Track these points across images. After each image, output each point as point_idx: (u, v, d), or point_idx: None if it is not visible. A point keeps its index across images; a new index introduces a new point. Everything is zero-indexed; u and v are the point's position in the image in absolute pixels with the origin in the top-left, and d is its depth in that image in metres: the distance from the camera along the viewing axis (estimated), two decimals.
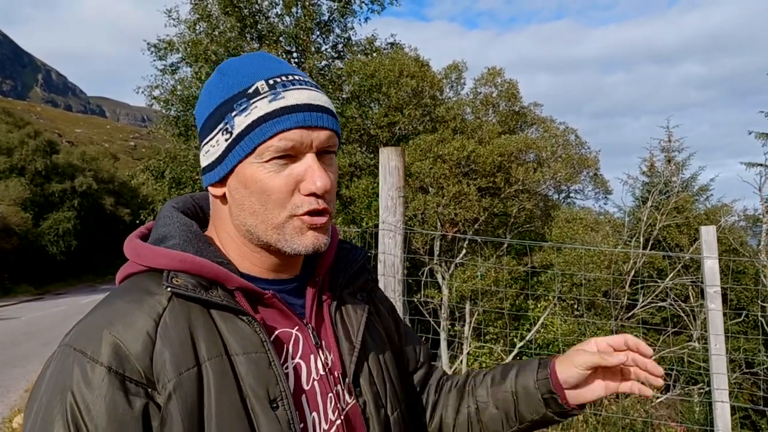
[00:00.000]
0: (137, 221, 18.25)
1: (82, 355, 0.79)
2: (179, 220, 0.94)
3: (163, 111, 16.17)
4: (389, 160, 2.82)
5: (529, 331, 12.29)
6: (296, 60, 16.69)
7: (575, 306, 12.96)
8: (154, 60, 16.19)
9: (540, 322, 12.09)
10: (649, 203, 14.03)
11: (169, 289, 0.83)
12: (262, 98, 0.87)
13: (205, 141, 0.93)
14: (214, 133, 0.90)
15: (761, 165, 17.64)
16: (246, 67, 0.91)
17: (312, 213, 0.89)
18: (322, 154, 0.90)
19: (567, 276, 12.28)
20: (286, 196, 0.87)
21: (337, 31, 17.55)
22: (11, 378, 9.76)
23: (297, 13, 16.43)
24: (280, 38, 16.32)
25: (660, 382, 1.01)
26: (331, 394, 0.93)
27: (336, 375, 0.96)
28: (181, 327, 0.83)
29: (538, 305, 12.85)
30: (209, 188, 0.94)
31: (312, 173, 0.87)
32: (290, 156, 0.87)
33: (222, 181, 0.92)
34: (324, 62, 16.89)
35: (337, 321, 1.00)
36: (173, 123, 16.05)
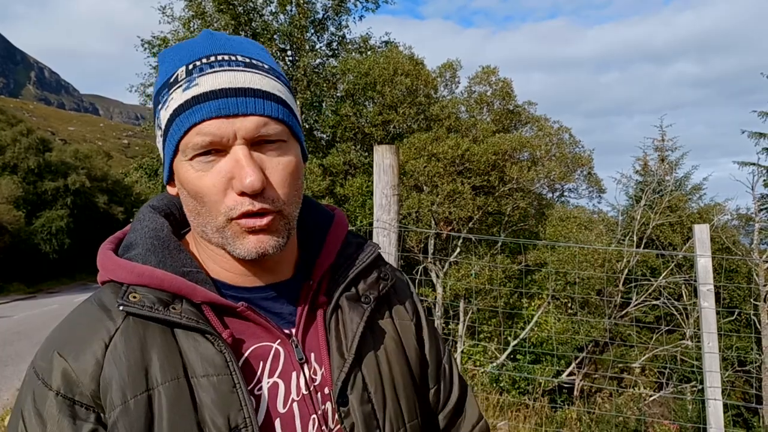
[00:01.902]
0: (130, 219, 18.21)
1: (36, 378, 0.76)
2: (149, 225, 0.85)
3: None
4: (384, 158, 2.81)
5: (523, 329, 12.33)
6: (291, 58, 16.67)
7: (569, 304, 13.00)
8: (148, 57, 16.16)
9: (534, 320, 12.13)
10: (643, 202, 14.09)
11: (121, 308, 0.76)
12: (178, 87, 0.76)
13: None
14: (156, 130, 0.82)
15: (754, 164, 17.74)
16: (175, 52, 0.81)
17: (248, 215, 0.76)
18: (261, 144, 0.77)
19: (561, 274, 12.31)
20: (220, 197, 0.75)
21: (332, 29, 17.55)
22: (3, 377, 9.71)
23: (291, 11, 16.41)
24: (275, 36, 16.29)
25: None
26: (314, 416, 0.82)
27: (325, 393, 0.84)
28: (132, 349, 0.75)
29: (532, 303, 12.89)
30: (167, 187, 0.85)
31: (239, 169, 0.74)
32: (217, 150, 0.75)
33: (170, 182, 0.83)
34: (318, 60, 16.87)
35: (332, 328, 0.87)
36: None
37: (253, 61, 0.79)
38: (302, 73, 15.37)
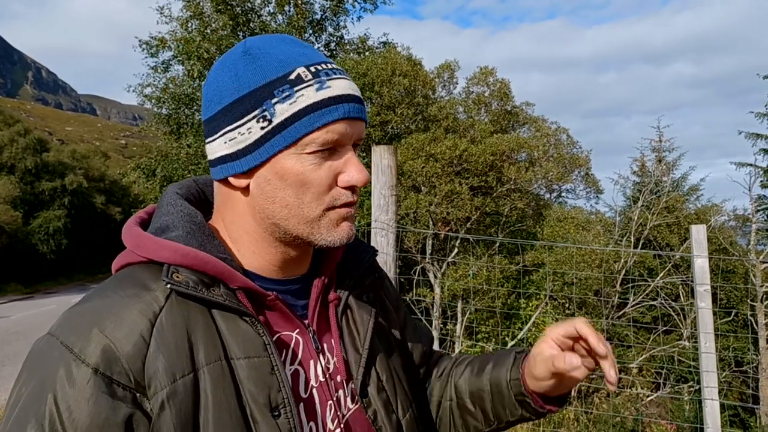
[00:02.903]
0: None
1: (69, 352, 0.73)
2: (183, 209, 0.87)
3: (155, 109, 16.11)
4: (382, 158, 2.82)
5: (520, 329, 12.34)
6: None
7: (566, 305, 13.00)
8: (146, 57, 16.13)
9: (531, 320, 12.13)
10: (640, 203, 14.11)
11: (168, 285, 0.77)
12: (308, 86, 0.81)
13: (229, 127, 0.83)
14: (245, 119, 0.82)
15: (751, 165, 17.77)
16: (280, 51, 0.84)
17: (347, 204, 0.86)
18: (354, 146, 0.87)
19: (558, 275, 12.33)
20: (326, 190, 0.83)
21: (330, 29, 17.56)
22: (0, 377, 9.70)
23: (289, 11, 16.41)
24: None
25: (611, 388, 0.91)
26: (330, 402, 0.89)
27: (338, 380, 0.91)
28: (178, 329, 0.77)
29: (530, 304, 12.89)
30: (230, 179, 0.85)
31: (352, 166, 0.84)
32: (331, 149, 0.83)
33: (250, 172, 0.84)
34: None
35: (343, 324, 0.95)
36: (165, 121, 15.99)
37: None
38: None
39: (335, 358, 0.92)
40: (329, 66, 0.84)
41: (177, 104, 15.35)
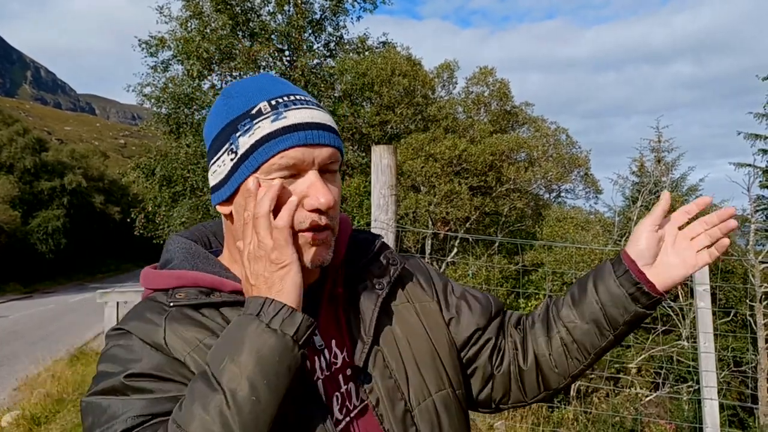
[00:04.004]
0: (127, 219, 18.16)
1: (114, 347, 0.90)
2: (179, 244, 1.02)
3: (154, 109, 16.10)
4: (381, 158, 2.82)
5: None
6: (288, 58, 16.66)
7: None
8: (145, 57, 16.11)
9: None
10: (639, 203, 14.11)
11: (172, 304, 0.92)
12: (265, 118, 0.90)
13: (212, 161, 0.96)
14: (220, 153, 0.93)
15: (750, 165, 17.78)
16: (249, 89, 0.95)
17: (314, 228, 0.90)
18: (324, 171, 0.92)
19: (557, 275, 12.33)
20: None
21: (330, 29, 17.54)
22: None
23: (289, 11, 16.40)
24: (272, 36, 16.28)
25: (733, 223, 1.08)
26: (338, 393, 0.94)
27: (347, 374, 0.97)
28: (187, 320, 0.91)
29: (529, 304, 12.89)
30: (218, 207, 0.98)
31: (315, 190, 0.89)
32: (293, 174, 0.90)
33: (229, 200, 0.95)
34: (316, 61, 16.86)
35: (351, 317, 1.00)
36: (164, 121, 15.98)
37: (316, 102, 0.96)
38: (300, 73, 15.36)
39: (344, 353, 0.98)
40: (292, 98, 0.93)
41: (176, 104, 15.33)
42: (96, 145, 70.38)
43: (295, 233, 0.89)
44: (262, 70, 16.48)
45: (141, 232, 16.95)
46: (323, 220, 0.91)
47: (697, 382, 3.56)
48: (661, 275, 1.06)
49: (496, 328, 1.16)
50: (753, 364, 11.04)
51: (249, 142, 0.89)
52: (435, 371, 1.03)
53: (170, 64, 16.30)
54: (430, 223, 13.17)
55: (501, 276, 13.19)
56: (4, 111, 43.88)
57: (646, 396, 10.13)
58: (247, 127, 0.90)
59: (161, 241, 16.71)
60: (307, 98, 0.94)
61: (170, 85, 15.63)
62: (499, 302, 1.21)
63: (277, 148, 0.88)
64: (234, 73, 16.39)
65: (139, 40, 16.00)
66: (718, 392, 3.45)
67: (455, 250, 13.73)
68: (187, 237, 1.07)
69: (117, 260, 46.45)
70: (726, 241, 1.06)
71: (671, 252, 1.07)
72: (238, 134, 0.90)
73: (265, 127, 0.89)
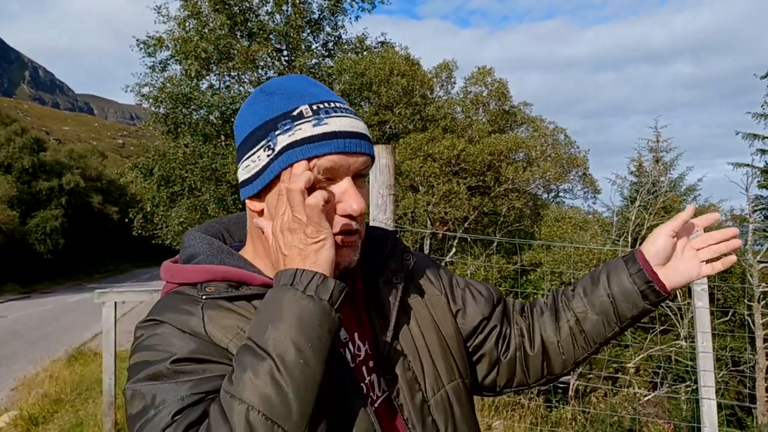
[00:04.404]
0: (126, 219, 18.15)
1: (151, 336, 0.91)
2: (202, 240, 1.05)
3: (152, 109, 16.08)
4: (380, 158, 2.82)
5: None
6: (286, 58, 16.65)
7: None
8: (143, 57, 16.10)
9: None
10: (637, 203, 14.12)
11: (204, 297, 0.94)
12: (306, 122, 0.92)
13: (246, 156, 0.97)
14: (256, 148, 0.95)
15: (748, 165, 17.79)
16: (290, 89, 0.97)
17: (345, 232, 0.94)
18: (356, 177, 0.96)
19: (556, 274, 12.34)
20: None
21: (328, 29, 17.54)
22: None
23: (287, 11, 16.39)
24: (270, 36, 16.27)
25: (737, 242, 1.14)
26: (362, 384, 0.97)
27: (370, 365, 1.00)
28: (223, 310, 0.93)
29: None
30: (247, 202, 1.00)
31: (349, 196, 0.93)
32: (328, 179, 0.93)
33: (260, 196, 0.98)
34: (314, 60, 16.85)
35: (372, 311, 1.04)
36: (162, 121, 15.96)
37: (353, 110, 1.00)
38: (298, 73, 15.34)
39: (366, 346, 1.02)
40: (332, 105, 0.95)
41: (174, 104, 15.32)
42: (94, 145, 70.34)
43: None
44: (260, 70, 16.48)
45: (139, 232, 16.93)
46: (354, 225, 0.95)
47: (695, 382, 3.56)
48: (670, 277, 1.14)
49: (500, 315, 1.22)
50: (751, 364, 11.05)
51: (287, 141, 0.92)
52: (446, 362, 1.08)
53: (168, 64, 16.30)
54: (429, 223, 13.17)
55: (499, 276, 13.19)
56: (2, 111, 43.84)
57: (645, 396, 10.14)
58: (288, 127, 0.92)
59: (159, 241, 16.70)
60: (345, 106, 0.98)
61: (168, 84, 15.62)
62: (498, 291, 1.26)
63: (315, 152, 0.91)
64: (232, 73, 16.39)
65: (137, 40, 16.00)
66: (716, 392, 3.45)
67: (454, 249, 13.73)
68: (205, 232, 1.09)
69: (115, 260, 46.43)
70: (733, 258, 1.15)
71: (679, 258, 1.16)
72: (277, 132, 0.93)
73: (306, 129, 0.92)
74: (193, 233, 1.07)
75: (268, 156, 0.93)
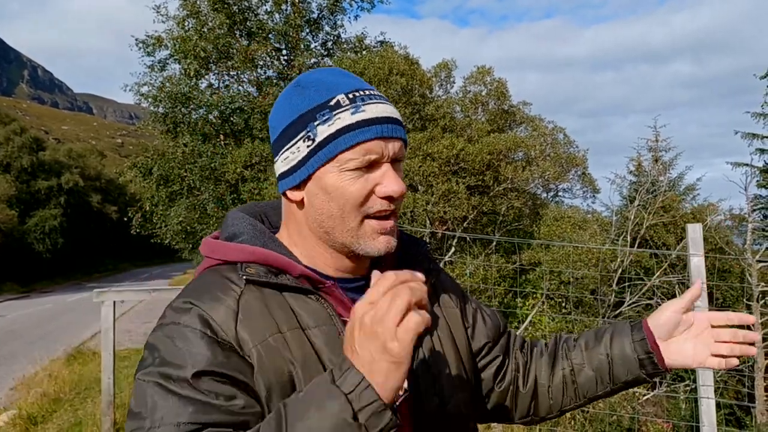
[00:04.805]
0: (124, 219, 18.14)
1: (176, 326, 0.91)
2: (246, 220, 1.06)
3: (151, 108, 16.07)
4: None
5: (517, 328, 12.33)
6: (285, 57, 16.65)
7: (563, 304, 13.02)
8: (142, 56, 16.09)
9: (528, 320, 12.14)
10: (636, 202, 14.12)
11: (244, 277, 0.95)
12: (345, 110, 0.94)
13: (284, 148, 1.00)
14: (295, 140, 0.98)
15: (747, 165, 17.80)
16: (325, 81, 0.99)
17: (382, 215, 0.97)
18: (394, 161, 0.98)
19: (555, 274, 12.35)
20: (363, 200, 0.96)
21: (327, 28, 17.55)
22: None
23: (286, 10, 16.39)
24: (270, 35, 16.26)
25: (753, 350, 1.13)
26: None
27: None
28: (258, 303, 0.95)
29: (527, 303, 12.90)
30: (287, 192, 1.02)
31: (389, 179, 0.95)
32: (369, 164, 0.95)
33: (300, 186, 1.00)
34: (313, 60, 16.84)
35: None
36: (161, 120, 15.96)
37: (386, 97, 1.02)
38: (297, 72, 15.34)
39: None
40: (367, 92, 0.98)
41: (173, 103, 15.31)
42: (93, 144, 70.26)
43: (361, 219, 0.97)
44: (259, 70, 16.47)
45: (138, 231, 16.93)
46: (391, 207, 0.97)
47: (694, 381, 3.56)
48: (672, 354, 1.14)
49: (504, 346, 1.24)
50: (750, 363, 11.06)
51: (328, 131, 0.94)
52: (459, 372, 1.11)
53: (167, 64, 16.29)
54: (428, 222, 13.18)
55: (498, 275, 13.20)
56: (1, 110, 43.80)
57: (644, 395, 10.14)
58: (327, 117, 0.94)
59: (158, 241, 16.70)
60: (378, 93, 1.01)
61: (167, 84, 15.61)
62: (504, 320, 1.29)
63: (357, 139, 0.93)
64: (231, 73, 16.38)
65: (136, 40, 16.00)
66: (715, 391, 3.45)
67: (453, 249, 13.73)
68: (247, 214, 1.10)
69: (114, 259, 46.42)
70: (735, 361, 1.13)
71: (692, 340, 1.14)
72: (316, 123, 0.95)
73: (345, 118, 0.94)
74: (237, 213, 1.09)
75: (308, 147, 0.96)
